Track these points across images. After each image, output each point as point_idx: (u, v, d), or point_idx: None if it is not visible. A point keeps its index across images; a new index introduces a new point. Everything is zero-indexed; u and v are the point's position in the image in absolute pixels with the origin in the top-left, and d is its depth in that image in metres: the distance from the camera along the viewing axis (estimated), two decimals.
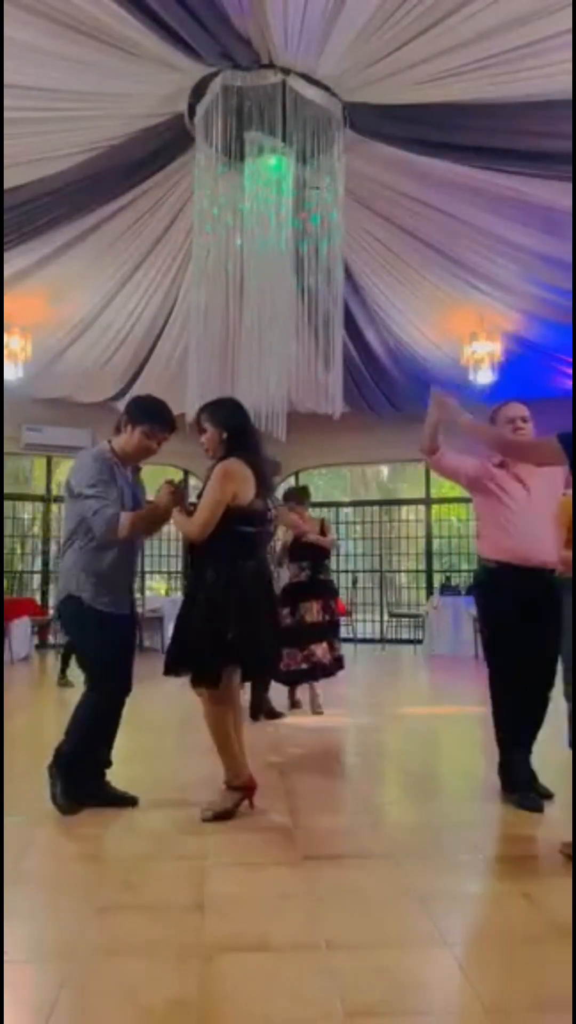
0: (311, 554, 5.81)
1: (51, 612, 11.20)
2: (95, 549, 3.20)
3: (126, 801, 3.32)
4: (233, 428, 3.20)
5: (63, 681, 7.01)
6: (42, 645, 10.59)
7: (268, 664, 3.58)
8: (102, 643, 3.24)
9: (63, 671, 7.09)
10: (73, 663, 5.61)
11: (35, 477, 13.49)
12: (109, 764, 3.39)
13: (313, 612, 5.69)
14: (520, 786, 3.34)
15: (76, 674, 4.32)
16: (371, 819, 3.29)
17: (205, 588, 3.10)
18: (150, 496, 3.42)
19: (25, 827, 3.01)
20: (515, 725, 3.42)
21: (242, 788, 3.19)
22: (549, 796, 3.36)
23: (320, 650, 5.65)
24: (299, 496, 6.10)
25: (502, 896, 2.49)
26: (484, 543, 3.57)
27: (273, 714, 5.54)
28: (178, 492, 3.20)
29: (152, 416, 3.30)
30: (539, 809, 3.23)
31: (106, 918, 2.27)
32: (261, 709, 5.50)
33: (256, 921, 2.26)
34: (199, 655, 3.08)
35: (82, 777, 3.28)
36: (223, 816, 3.11)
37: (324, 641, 5.69)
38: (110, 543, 3.17)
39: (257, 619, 3.12)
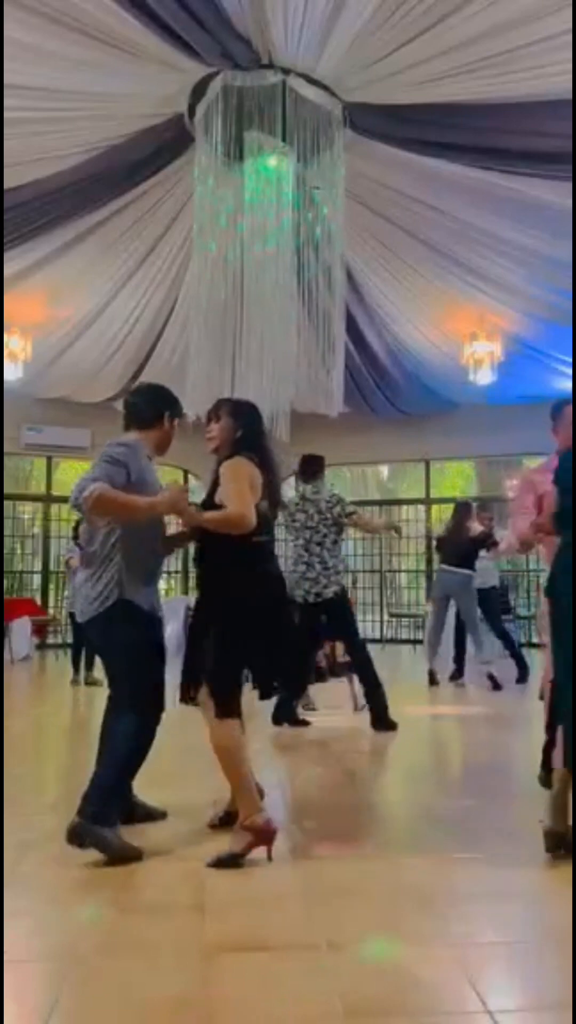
0: None
1: (50, 612, 11.19)
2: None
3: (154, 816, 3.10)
4: (249, 429, 3.05)
5: (91, 679, 6.92)
6: (42, 645, 10.58)
7: (278, 678, 3.14)
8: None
9: (89, 667, 7.04)
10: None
11: (35, 477, 13.49)
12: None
13: None
14: None
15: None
16: (371, 818, 3.29)
17: (222, 604, 2.83)
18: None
19: (25, 827, 3.01)
20: None
21: (255, 831, 2.66)
22: None
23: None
24: None
25: (502, 895, 2.49)
26: None
27: (298, 722, 5.25)
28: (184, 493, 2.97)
29: (177, 403, 3.21)
30: None
31: (106, 918, 2.27)
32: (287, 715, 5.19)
33: (256, 921, 2.25)
34: (214, 675, 2.80)
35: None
36: (225, 863, 2.60)
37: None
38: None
39: (272, 633, 2.86)
